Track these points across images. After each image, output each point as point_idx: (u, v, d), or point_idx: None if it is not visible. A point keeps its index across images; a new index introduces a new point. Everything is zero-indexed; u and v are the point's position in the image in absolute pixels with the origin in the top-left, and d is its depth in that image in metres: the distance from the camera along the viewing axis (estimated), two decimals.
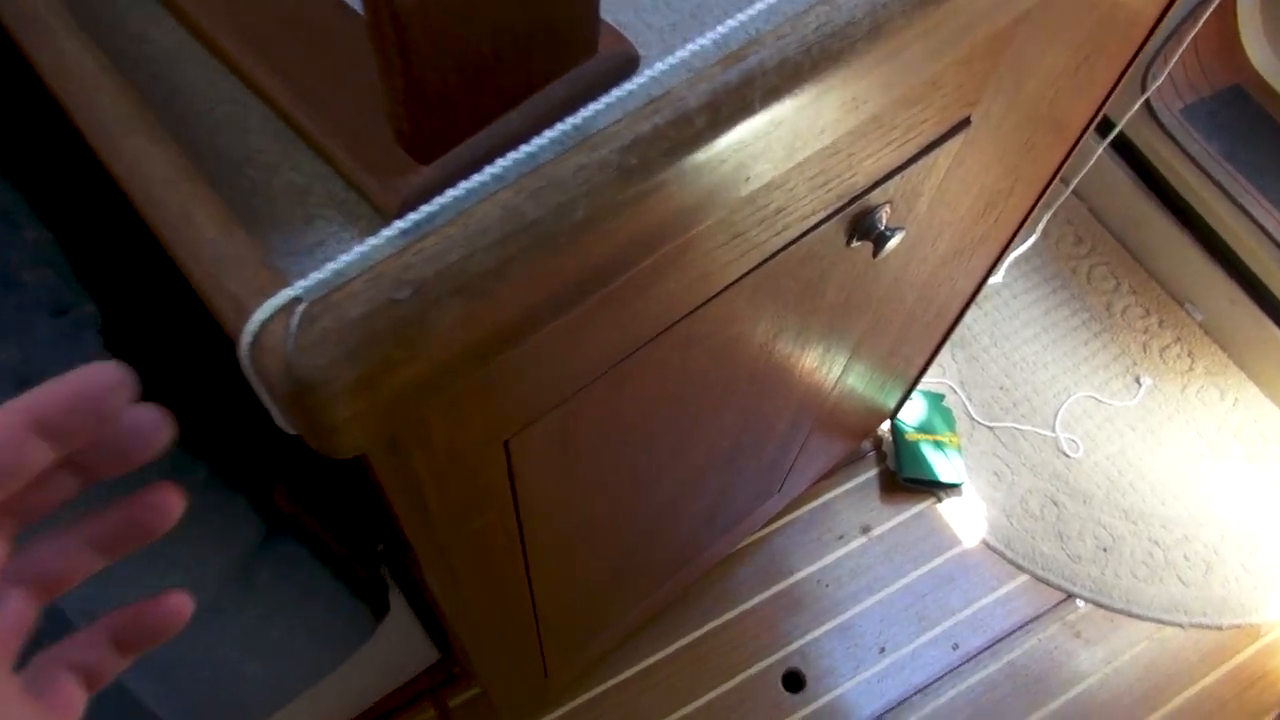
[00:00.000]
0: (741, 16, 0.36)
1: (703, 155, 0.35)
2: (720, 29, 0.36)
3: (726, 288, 0.52)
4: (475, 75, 0.32)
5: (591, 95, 0.35)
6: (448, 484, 0.50)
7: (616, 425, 0.59)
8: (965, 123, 0.61)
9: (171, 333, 0.51)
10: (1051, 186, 0.90)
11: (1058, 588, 1.33)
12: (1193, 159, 1.41)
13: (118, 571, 0.49)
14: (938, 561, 1.35)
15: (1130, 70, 0.77)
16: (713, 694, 1.25)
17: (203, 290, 0.31)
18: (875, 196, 0.58)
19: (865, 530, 1.37)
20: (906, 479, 1.38)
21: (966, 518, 1.38)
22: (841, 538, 1.36)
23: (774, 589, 1.33)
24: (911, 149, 0.57)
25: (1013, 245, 1.00)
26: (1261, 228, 1.37)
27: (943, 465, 1.38)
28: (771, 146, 0.39)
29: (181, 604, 0.28)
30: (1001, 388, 1.48)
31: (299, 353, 0.29)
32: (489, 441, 0.49)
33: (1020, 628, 1.30)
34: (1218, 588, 1.33)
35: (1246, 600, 1.33)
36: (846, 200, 0.56)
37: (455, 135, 0.34)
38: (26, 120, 0.51)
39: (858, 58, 0.38)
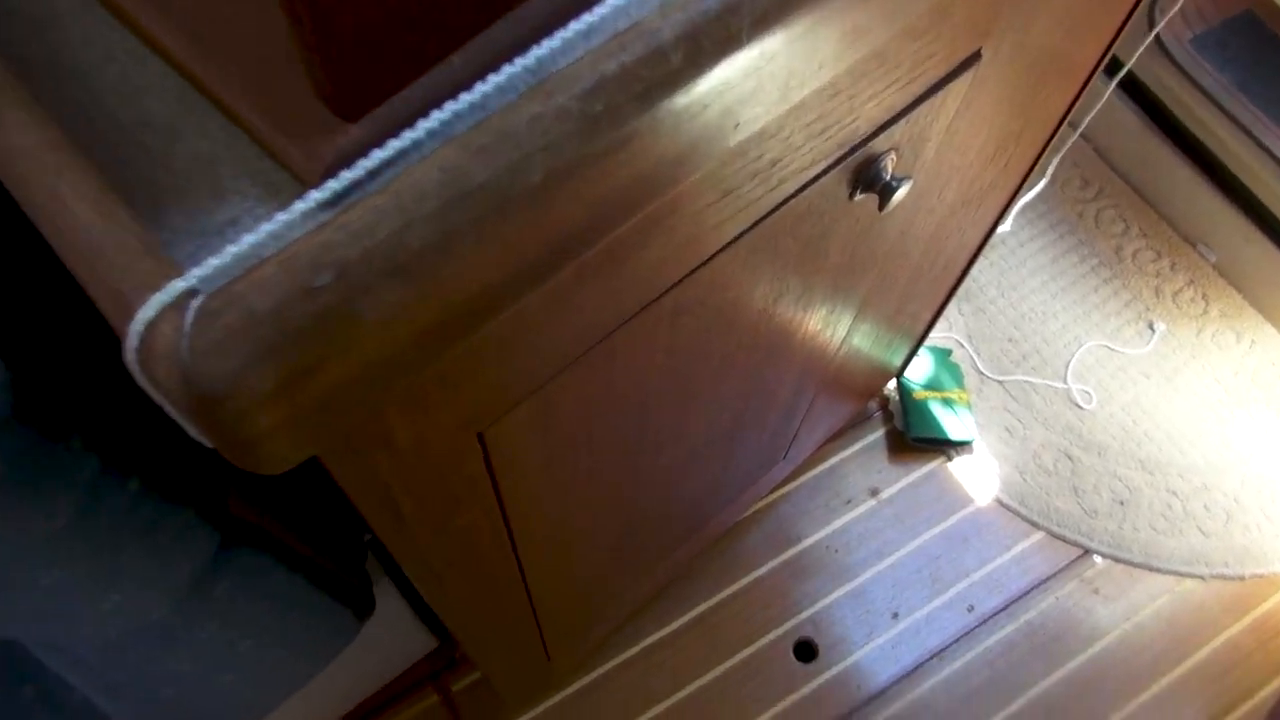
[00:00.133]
0: None
1: (682, 99, 0.30)
2: None
3: (718, 252, 0.47)
4: (404, 9, 0.26)
5: (546, 31, 0.29)
6: (419, 484, 0.45)
7: (604, 407, 0.54)
8: (976, 57, 0.55)
9: (93, 333, 0.46)
10: (1061, 128, 0.85)
11: (1074, 544, 1.29)
12: (1204, 92, 1.34)
13: (58, 595, 0.44)
14: (950, 522, 1.31)
15: (1140, 3, 0.71)
16: (723, 667, 1.22)
17: (84, 284, 0.26)
18: (879, 143, 0.53)
19: (874, 493, 1.33)
20: (915, 439, 1.33)
21: (978, 476, 1.34)
22: (850, 502, 1.32)
23: (781, 557, 1.29)
24: (918, 88, 0.52)
25: (1022, 191, 0.95)
26: (1277, 160, 1.30)
27: (952, 423, 1.34)
28: (763, 87, 0.34)
29: None
30: (1010, 340, 1.43)
31: (196, 357, 0.24)
32: (461, 435, 0.44)
33: (1037, 586, 1.27)
34: (1239, 537, 1.29)
35: (1269, 548, 1.29)
36: (848, 149, 0.50)
37: (386, 85, 0.28)
38: None
39: None
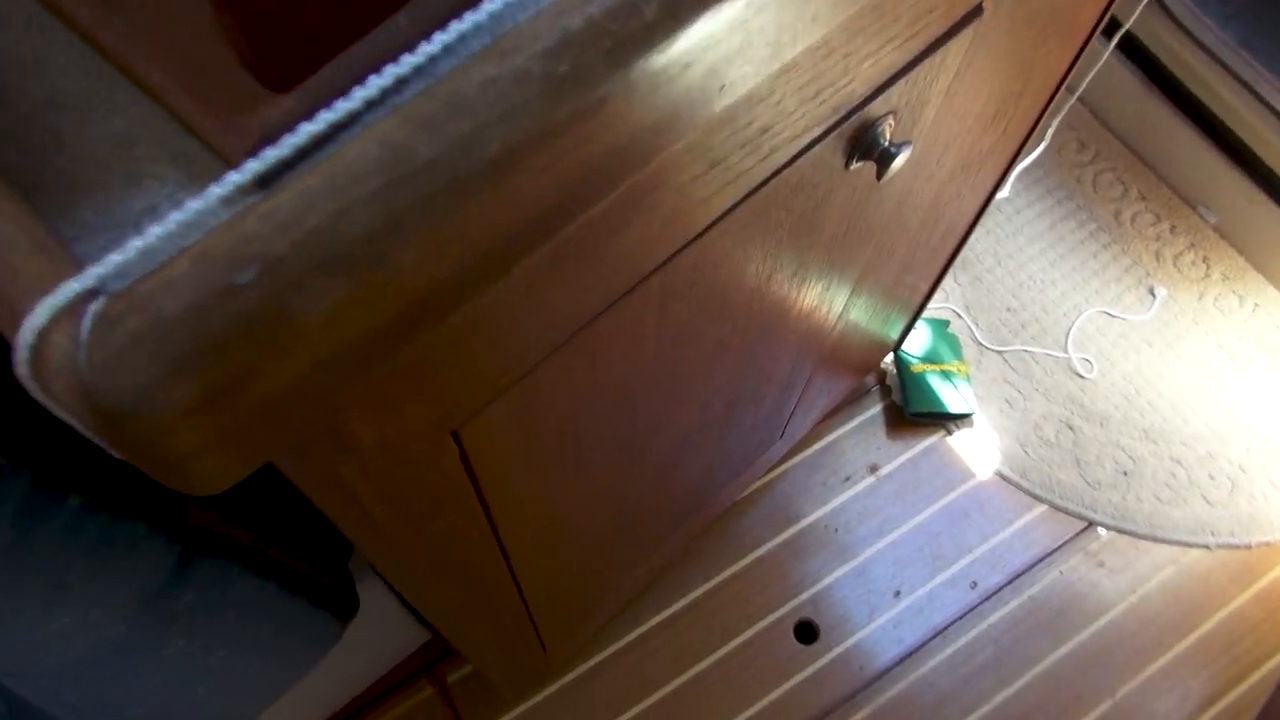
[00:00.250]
0: None
1: (659, 57, 0.26)
2: None
3: (707, 228, 0.43)
4: None
5: None
6: (391, 489, 0.42)
7: (591, 398, 0.51)
8: (977, 11, 0.51)
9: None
10: (1060, 90, 0.81)
11: (1078, 516, 1.27)
12: (1206, 49, 1.30)
13: (2, 619, 0.41)
14: (951, 497, 1.28)
15: None
16: (722, 651, 1.20)
17: None
18: (877, 107, 0.49)
19: (873, 469, 1.30)
20: (914, 413, 1.30)
21: (979, 449, 1.31)
22: (848, 479, 1.30)
23: (780, 537, 1.26)
24: (917, 46, 0.48)
25: (1021, 156, 0.91)
26: None
27: (951, 396, 1.31)
28: (751, 43, 0.30)
29: None
30: (1009, 309, 1.40)
31: (96, 369, 0.20)
32: (434, 434, 0.41)
33: (1040, 561, 1.24)
34: (1244, 505, 1.27)
35: (1275, 516, 1.26)
36: (844, 113, 0.47)
37: (319, 49, 0.25)
38: None
39: None
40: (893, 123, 0.52)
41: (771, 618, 1.22)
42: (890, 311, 1.06)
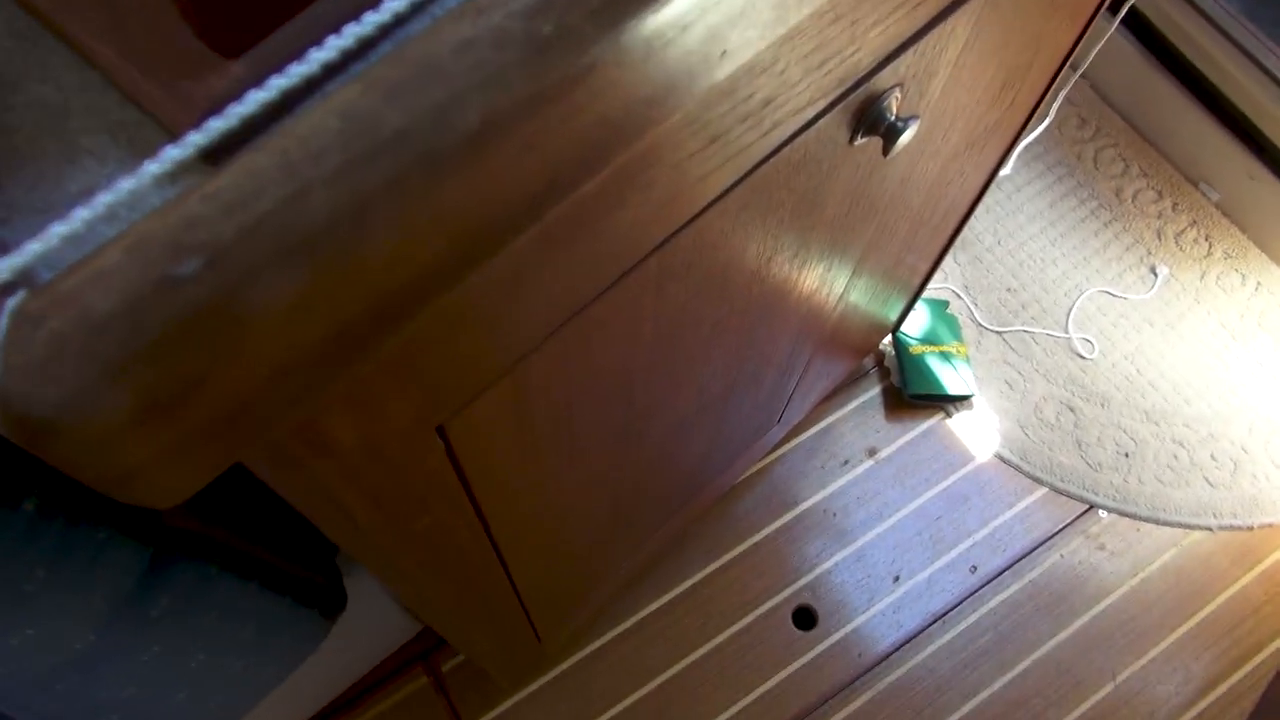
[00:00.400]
0: None
1: (655, 17, 0.24)
2: None
3: (704, 209, 0.41)
4: None
5: None
6: (373, 488, 0.39)
7: (585, 386, 0.49)
8: None
9: None
10: (1067, 63, 0.78)
11: (1078, 499, 1.25)
12: (1210, 20, 1.27)
13: None
14: (950, 481, 1.26)
15: None
16: (720, 638, 1.18)
17: None
18: (884, 78, 0.46)
19: (872, 453, 1.28)
20: (912, 395, 1.28)
21: (978, 432, 1.29)
22: (847, 463, 1.28)
23: (778, 523, 1.24)
24: (927, 13, 0.45)
25: (1025, 132, 0.88)
26: None
27: (950, 377, 1.29)
28: (755, 4, 0.27)
29: None
30: (1009, 289, 1.37)
31: (14, 376, 0.18)
32: (418, 430, 0.38)
33: (1041, 544, 1.23)
34: (1247, 486, 1.26)
35: (1278, 497, 1.25)
36: (850, 85, 0.44)
37: (273, 8, 0.22)
38: None
39: None
40: (899, 95, 0.49)
41: (769, 604, 1.20)
42: (890, 292, 1.03)
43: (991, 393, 1.31)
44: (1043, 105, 0.84)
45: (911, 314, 1.27)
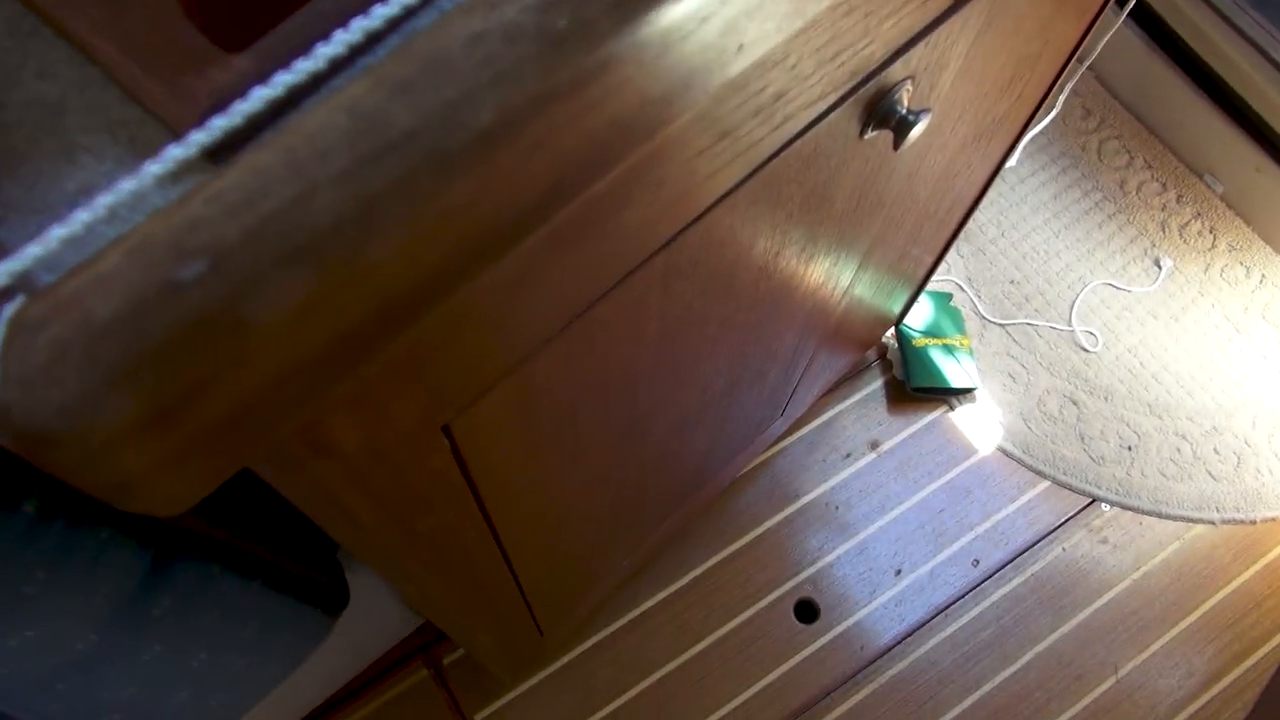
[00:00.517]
0: None
1: (674, 10, 0.23)
2: None
3: (713, 206, 0.40)
4: None
5: None
6: (377, 489, 0.39)
7: (591, 384, 0.48)
8: None
9: None
10: (1075, 54, 0.77)
11: (1081, 492, 1.25)
12: (1216, 9, 1.26)
13: None
14: (953, 474, 1.26)
15: None
16: (721, 631, 1.18)
17: None
18: (895, 71, 0.46)
19: (874, 446, 1.28)
20: (915, 388, 1.28)
21: (981, 425, 1.29)
22: (849, 456, 1.27)
23: (780, 515, 1.24)
24: (940, 4, 0.44)
25: (1032, 124, 0.88)
26: None
27: (953, 370, 1.28)
28: None
29: None
30: (1012, 282, 1.37)
31: (12, 384, 0.17)
32: (423, 430, 0.38)
33: (1043, 538, 1.23)
34: (1250, 480, 1.25)
35: None
36: (862, 78, 0.43)
37: (278, 3, 0.21)
38: None
39: None
40: (911, 88, 0.49)
41: (771, 597, 1.20)
42: (894, 285, 1.03)
43: (994, 386, 1.31)
44: (1049, 97, 0.83)
45: (915, 307, 1.26)
